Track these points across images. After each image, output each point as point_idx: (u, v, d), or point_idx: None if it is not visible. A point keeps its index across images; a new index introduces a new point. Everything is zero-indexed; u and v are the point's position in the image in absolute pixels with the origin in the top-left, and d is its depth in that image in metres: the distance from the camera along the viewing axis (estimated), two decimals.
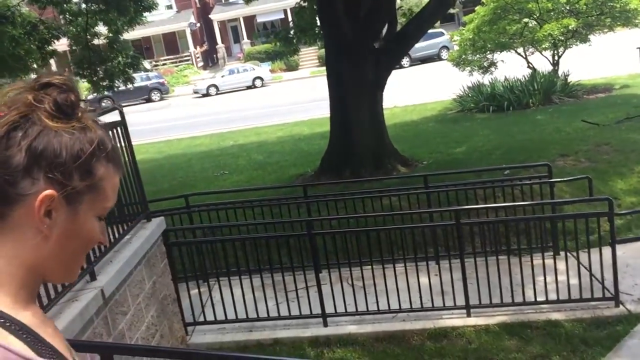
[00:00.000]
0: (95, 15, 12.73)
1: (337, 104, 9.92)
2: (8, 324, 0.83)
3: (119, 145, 5.18)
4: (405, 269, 5.85)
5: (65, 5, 12.67)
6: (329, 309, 5.91)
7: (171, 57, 42.32)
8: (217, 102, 28.68)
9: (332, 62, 9.89)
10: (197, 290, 6.04)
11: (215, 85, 32.55)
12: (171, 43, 42.54)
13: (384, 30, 10.11)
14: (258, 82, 32.79)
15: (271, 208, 7.04)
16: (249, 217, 7.08)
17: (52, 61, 15.65)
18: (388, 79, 10.00)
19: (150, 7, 13.09)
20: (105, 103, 32.15)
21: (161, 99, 33.19)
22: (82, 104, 0.92)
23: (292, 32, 12.33)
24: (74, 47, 13.60)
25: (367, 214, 6.50)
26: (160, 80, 33.95)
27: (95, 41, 13.33)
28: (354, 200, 6.98)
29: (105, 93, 31.81)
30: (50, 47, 13.02)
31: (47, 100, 0.88)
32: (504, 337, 5.53)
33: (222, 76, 33.12)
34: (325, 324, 5.94)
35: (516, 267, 5.82)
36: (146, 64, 40.24)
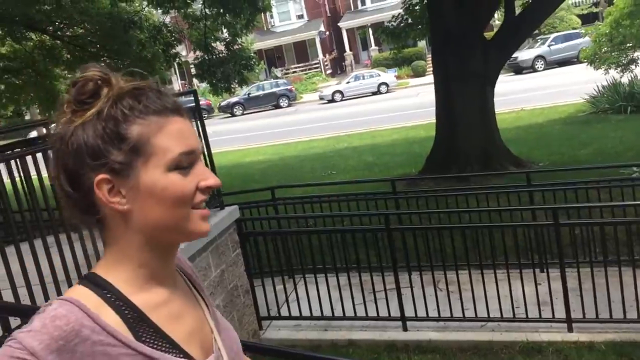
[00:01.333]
0: (217, 20, 13.17)
1: (443, 99, 9.37)
2: (113, 299, 0.89)
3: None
4: (495, 275, 5.26)
5: (187, 10, 13.22)
6: (409, 313, 5.47)
7: (301, 65, 43.30)
8: (341, 108, 28.75)
9: (438, 55, 9.36)
10: (273, 285, 5.83)
11: (340, 92, 32.69)
12: (301, 51, 43.57)
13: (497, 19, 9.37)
14: (383, 88, 32.47)
15: (357, 203, 6.68)
16: (334, 211, 6.76)
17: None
18: (499, 72, 9.27)
19: (266, 9, 13.31)
20: (237, 109, 33.61)
21: (289, 105, 33.90)
22: (104, 82, 0.92)
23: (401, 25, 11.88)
24: (196, 51, 14.17)
25: (448, 210, 5.93)
26: (288, 87, 34.72)
27: (215, 44, 13.80)
28: (446, 197, 6.44)
29: (236, 99, 33.60)
30: (174, 50, 13.64)
31: (70, 101, 0.92)
32: (610, 356, 4.76)
33: (347, 82, 33.20)
34: (405, 329, 5.51)
35: (629, 279, 5.01)
36: (277, 72, 41.75)
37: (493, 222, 5.68)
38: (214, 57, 13.52)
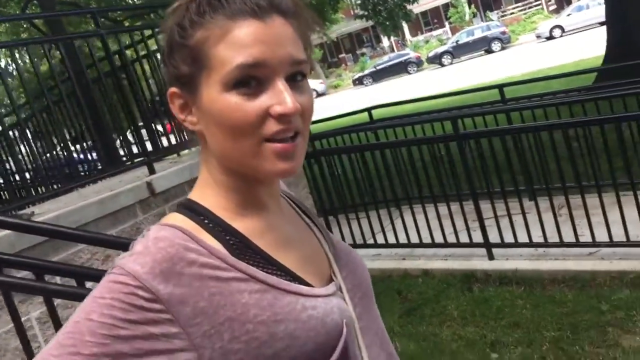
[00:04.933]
0: None
1: None
2: (211, 225, 0.79)
3: None
4: (600, 195, 4.10)
5: None
6: (495, 240, 4.59)
7: (519, 4, 39.92)
8: (559, 44, 25.80)
9: None
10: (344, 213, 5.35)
11: (559, 27, 29.28)
12: None
13: None
14: None
15: (463, 120, 5.68)
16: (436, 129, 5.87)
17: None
18: None
19: None
20: (445, 59, 32.38)
21: (502, 48, 31.47)
22: None
23: None
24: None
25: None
26: (501, 30, 32.17)
27: None
28: (571, 104, 5.19)
29: (444, 49, 32.43)
30: None
31: None
32: None
33: (568, 15, 29.57)
34: (491, 257, 4.64)
35: None
36: (493, 15, 39.10)
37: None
38: None
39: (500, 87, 5.75)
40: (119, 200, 3.55)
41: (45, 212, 3.60)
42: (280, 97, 0.73)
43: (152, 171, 3.95)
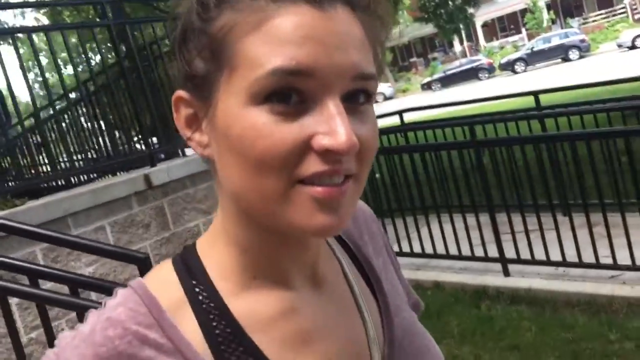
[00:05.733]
0: None
1: None
2: (201, 297, 0.57)
3: None
4: (623, 216, 3.79)
5: None
6: (511, 255, 4.34)
7: (603, 12, 38.15)
8: None
9: None
10: None
11: None
12: None
13: None
14: None
15: (495, 125, 5.43)
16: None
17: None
18: None
19: None
20: (518, 66, 31.37)
21: (580, 57, 30.11)
22: None
23: None
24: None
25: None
26: (580, 37, 30.79)
27: None
28: (608, 112, 4.86)
29: (517, 55, 31.42)
30: None
31: None
32: None
33: None
34: (506, 273, 4.37)
35: None
36: (573, 22, 37.57)
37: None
38: None
39: (536, 94, 5.47)
40: (112, 191, 3.58)
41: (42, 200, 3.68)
42: (330, 125, 0.50)
43: (153, 164, 3.96)
